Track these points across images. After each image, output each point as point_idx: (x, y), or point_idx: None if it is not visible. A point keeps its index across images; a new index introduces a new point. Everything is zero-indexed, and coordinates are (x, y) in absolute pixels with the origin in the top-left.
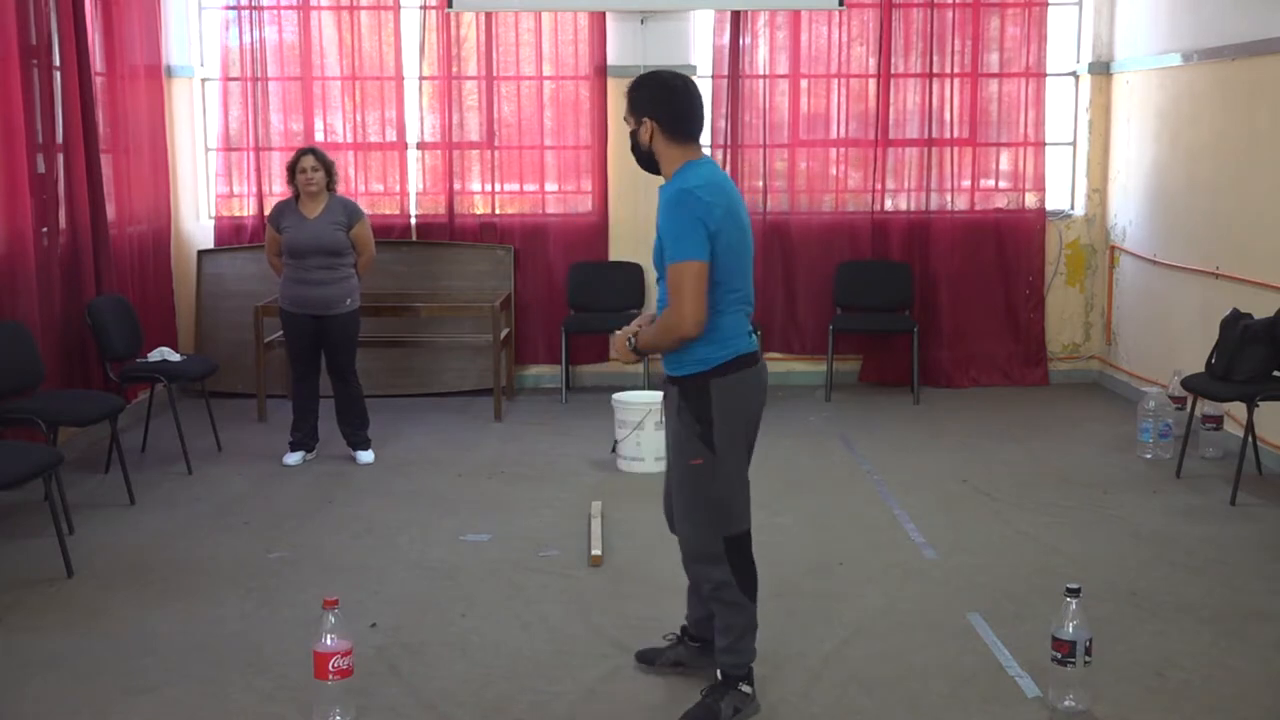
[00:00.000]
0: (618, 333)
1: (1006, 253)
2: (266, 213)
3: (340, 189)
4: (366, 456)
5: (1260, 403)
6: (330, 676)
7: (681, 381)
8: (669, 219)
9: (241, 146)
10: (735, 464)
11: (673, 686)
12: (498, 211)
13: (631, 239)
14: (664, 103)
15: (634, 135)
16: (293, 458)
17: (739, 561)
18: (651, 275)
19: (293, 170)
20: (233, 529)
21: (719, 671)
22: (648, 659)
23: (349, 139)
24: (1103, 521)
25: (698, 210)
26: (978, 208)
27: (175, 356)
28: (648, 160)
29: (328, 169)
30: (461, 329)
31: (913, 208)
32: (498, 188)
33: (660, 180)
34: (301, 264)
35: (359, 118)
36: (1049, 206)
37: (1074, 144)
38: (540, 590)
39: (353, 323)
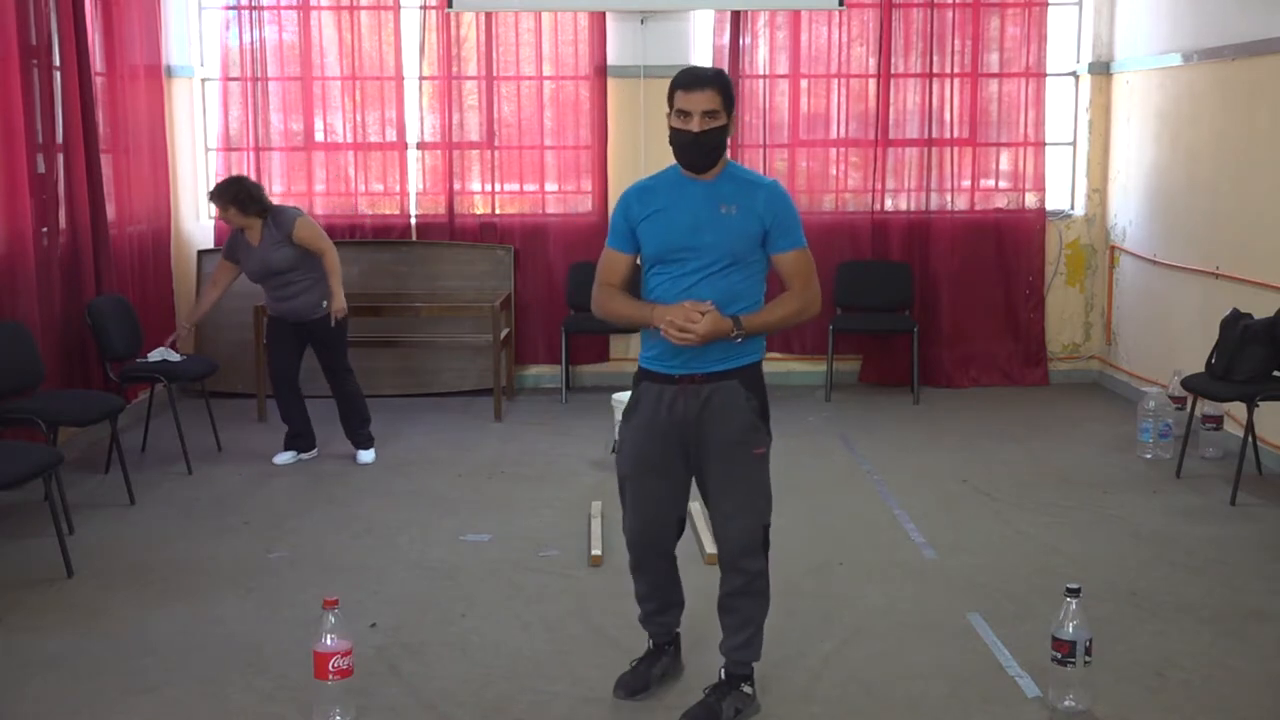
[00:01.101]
0: (704, 319)
1: (1006, 253)
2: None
3: (340, 189)
4: (367, 456)
5: (1260, 403)
6: (330, 676)
7: (742, 372)
8: (786, 209)
9: (241, 146)
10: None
11: (673, 687)
12: (498, 211)
13: None
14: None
15: (718, 130)
16: (283, 457)
17: (768, 549)
18: None
19: None
20: (233, 529)
21: (722, 671)
22: (639, 686)
23: (349, 139)
24: (1103, 521)
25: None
26: (978, 208)
27: (175, 356)
28: (714, 153)
29: (241, 201)
30: (461, 329)
31: (913, 208)
32: (498, 188)
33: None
34: (265, 285)
35: (359, 118)
36: (1049, 206)
37: (1074, 144)
38: (540, 590)
39: (338, 323)
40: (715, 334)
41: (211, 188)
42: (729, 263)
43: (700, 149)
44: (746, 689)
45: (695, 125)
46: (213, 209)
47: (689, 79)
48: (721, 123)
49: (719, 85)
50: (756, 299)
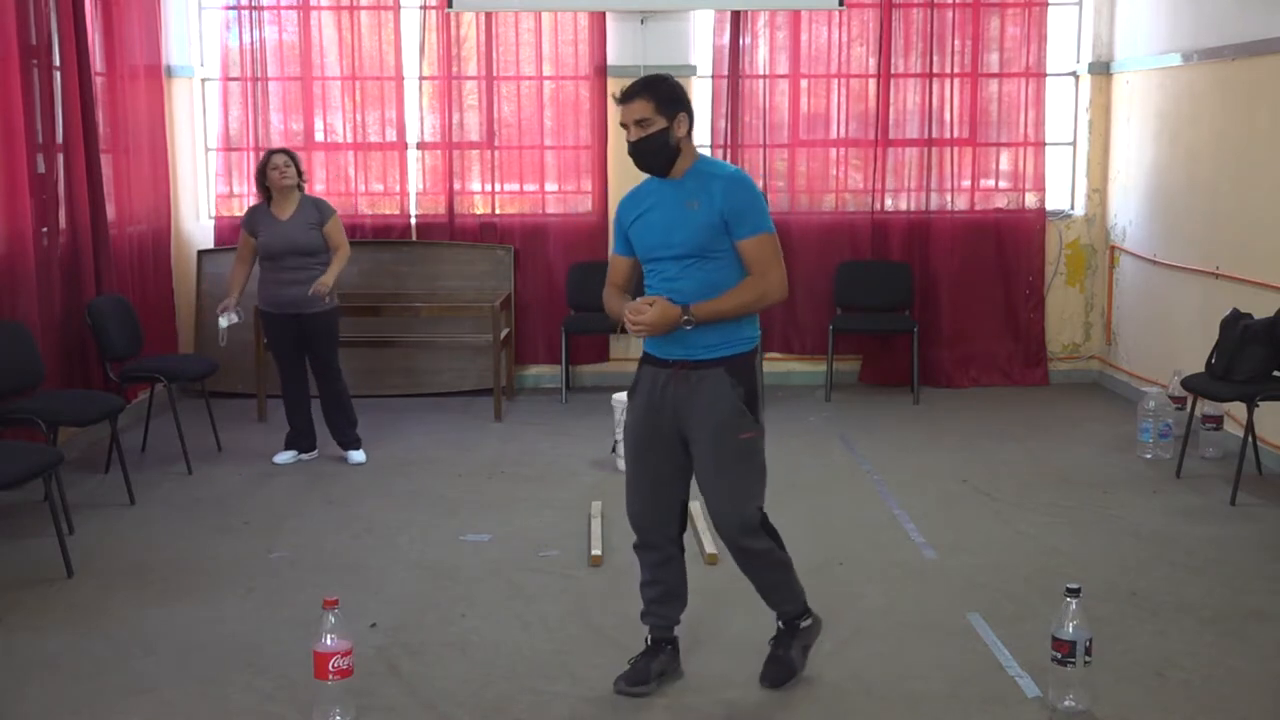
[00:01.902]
0: (650, 310)
1: (1006, 253)
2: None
3: (340, 189)
4: (358, 456)
5: (1260, 403)
6: (330, 676)
7: (729, 361)
8: (743, 199)
9: (241, 146)
10: (763, 435)
11: (673, 687)
12: (498, 211)
13: None
14: (687, 100)
15: (655, 135)
16: (283, 456)
17: (769, 527)
18: None
19: (263, 171)
20: (233, 529)
21: (780, 622)
22: (639, 679)
23: (349, 139)
24: (1103, 521)
25: (758, 191)
26: (978, 208)
27: (237, 317)
28: (657, 157)
29: (298, 168)
30: (461, 329)
31: (913, 208)
32: (498, 188)
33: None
34: (277, 265)
35: (359, 118)
36: (1049, 206)
37: (1074, 144)
38: (540, 590)
39: (333, 320)
40: (664, 322)
41: (276, 148)
42: (699, 256)
43: (641, 156)
44: (804, 622)
45: (631, 136)
46: (213, 197)
47: (620, 95)
48: (658, 127)
49: (646, 93)
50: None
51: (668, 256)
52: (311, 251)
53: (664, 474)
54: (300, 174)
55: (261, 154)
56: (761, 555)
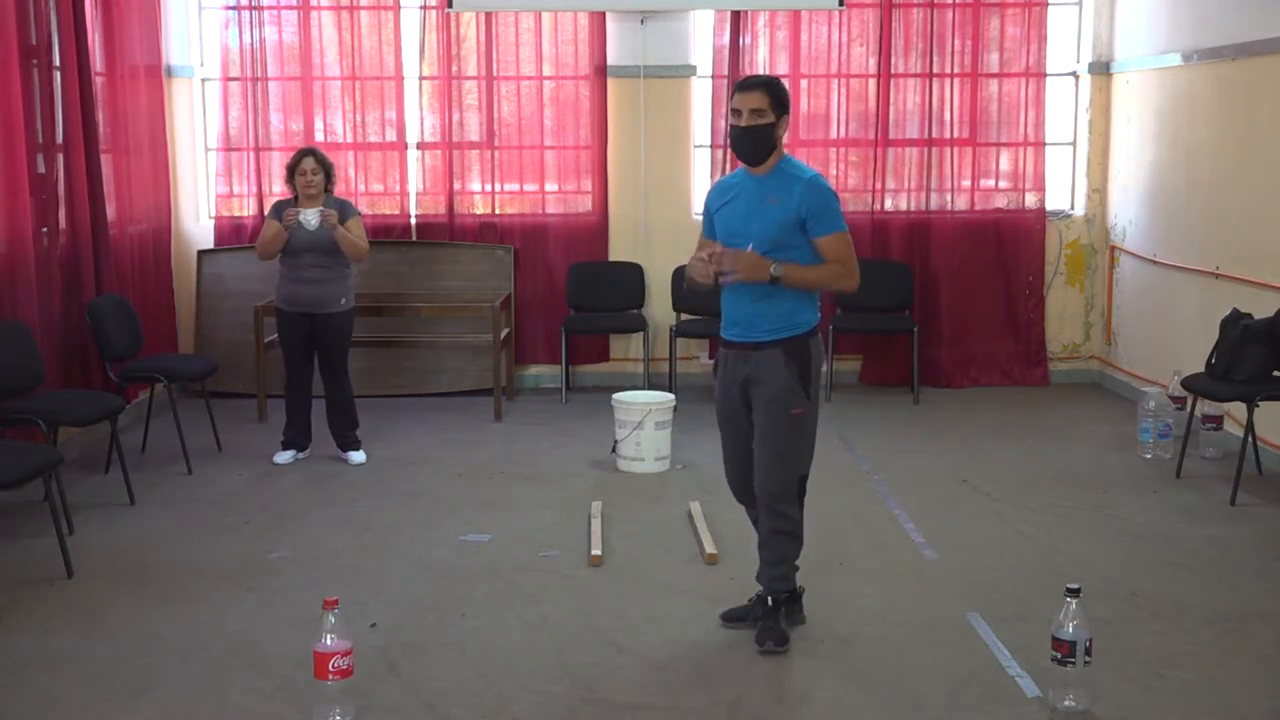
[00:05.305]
0: (746, 256)
1: (1006, 253)
2: (265, 212)
3: (340, 189)
4: (358, 457)
5: (1260, 403)
6: (330, 676)
7: (785, 343)
8: (820, 198)
9: (241, 146)
10: (817, 410)
11: (673, 687)
12: (498, 211)
13: (631, 239)
14: (790, 108)
15: (764, 126)
16: (283, 456)
17: (803, 498)
18: (654, 273)
19: (292, 171)
20: (233, 529)
21: (769, 598)
22: (737, 617)
23: (349, 139)
24: (1103, 521)
25: (833, 193)
26: (978, 208)
27: (314, 221)
28: (759, 146)
29: (327, 171)
30: (461, 329)
31: (913, 208)
32: (498, 188)
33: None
34: (297, 263)
35: (359, 118)
36: (1049, 206)
37: (1074, 144)
38: (540, 590)
39: (347, 322)
40: (753, 270)
41: (304, 148)
42: (771, 247)
43: (746, 140)
44: (783, 608)
45: (743, 121)
46: (213, 197)
47: (742, 84)
48: (768, 120)
49: (766, 88)
50: None
51: (742, 243)
52: (332, 252)
53: (744, 441)
54: (329, 178)
55: (262, 154)
56: (788, 520)
